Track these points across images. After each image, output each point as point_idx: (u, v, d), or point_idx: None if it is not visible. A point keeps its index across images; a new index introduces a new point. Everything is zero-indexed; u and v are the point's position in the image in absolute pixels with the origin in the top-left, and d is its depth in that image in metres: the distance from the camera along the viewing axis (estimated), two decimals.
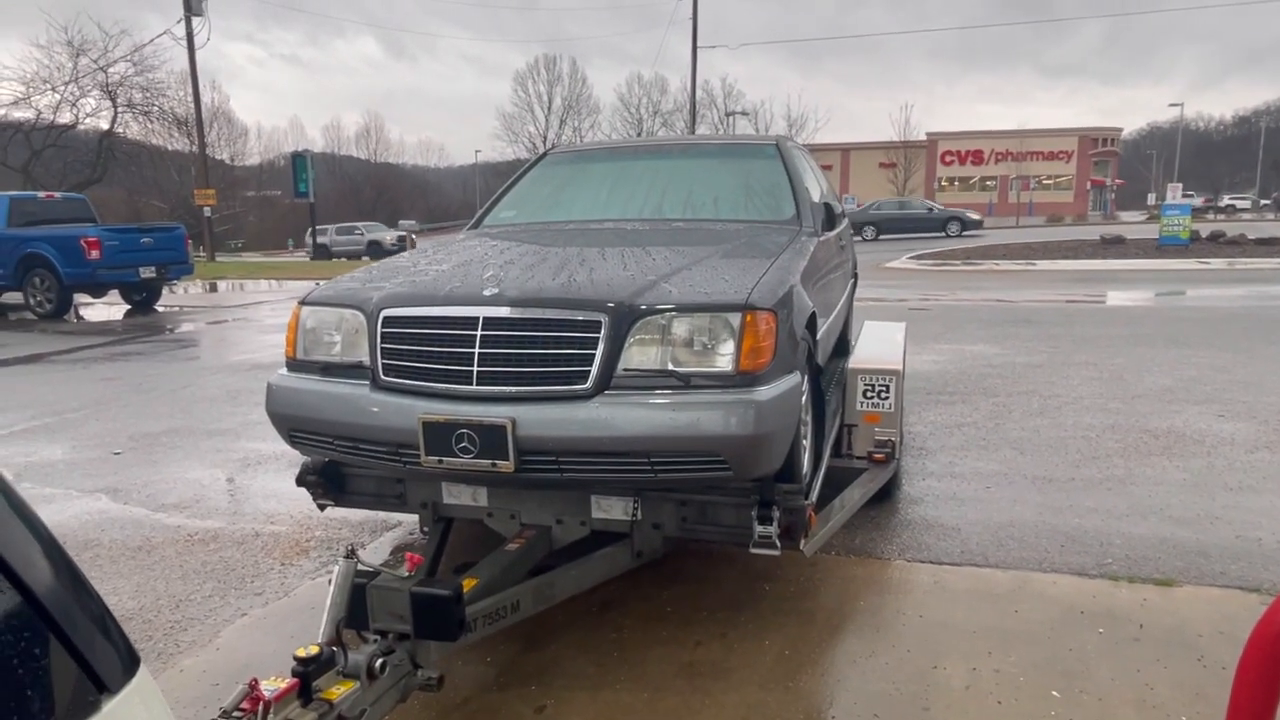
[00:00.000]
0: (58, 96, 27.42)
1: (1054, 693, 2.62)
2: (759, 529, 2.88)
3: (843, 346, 5.54)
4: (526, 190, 4.56)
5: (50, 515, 4.49)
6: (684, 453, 2.62)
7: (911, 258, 21.67)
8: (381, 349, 2.87)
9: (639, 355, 2.68)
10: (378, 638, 2.41)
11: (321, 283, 3.34)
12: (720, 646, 2.97)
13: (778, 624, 3.11)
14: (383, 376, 2.85)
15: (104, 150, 28.64)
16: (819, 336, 3.53)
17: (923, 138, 66.16)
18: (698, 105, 47.11)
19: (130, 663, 0.86)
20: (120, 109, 28.44)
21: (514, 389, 2.68)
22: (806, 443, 3.37)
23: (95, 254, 14.07)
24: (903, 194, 51.88)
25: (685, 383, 2.65)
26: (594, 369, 2.64)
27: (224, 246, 38.76)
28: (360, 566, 2.45)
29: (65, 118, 27.77)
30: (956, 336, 9.49)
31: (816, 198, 4.29)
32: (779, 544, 2.88)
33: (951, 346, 8.83)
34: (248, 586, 3.58)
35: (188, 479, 5.05)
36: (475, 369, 2.70)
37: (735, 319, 2.67)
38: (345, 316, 3.00)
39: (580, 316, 2.69)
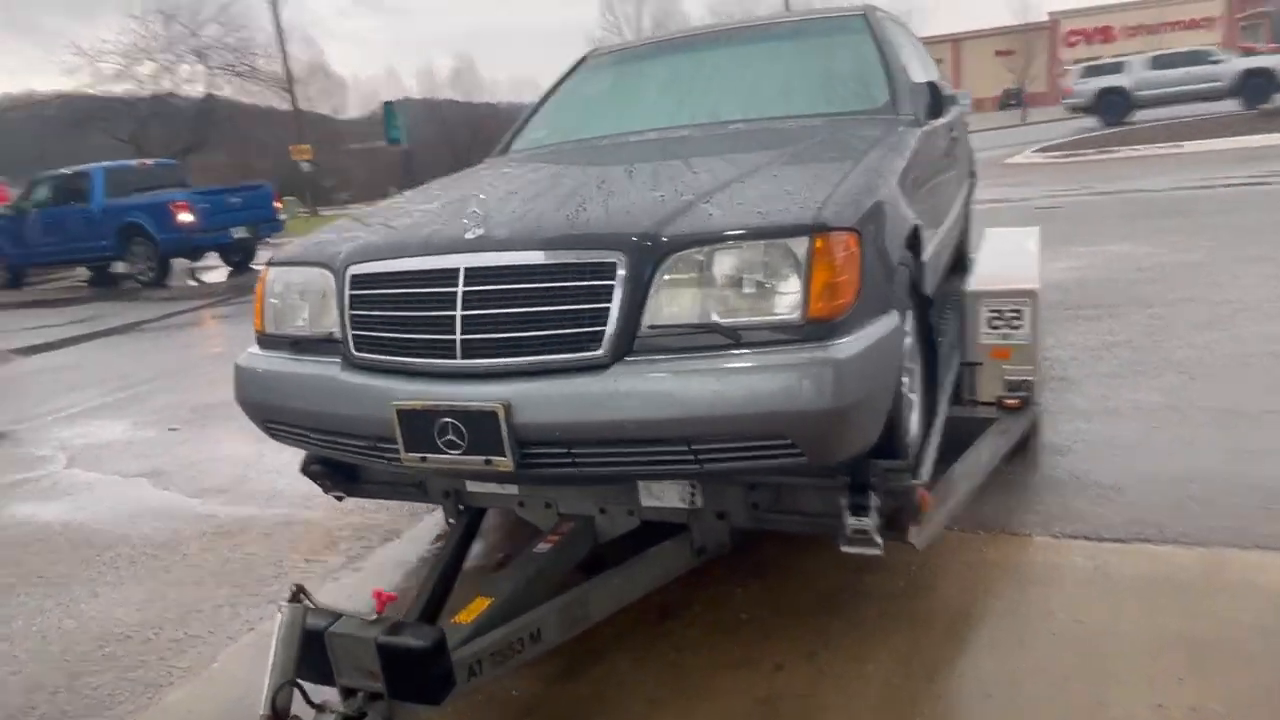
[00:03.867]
0: (155, 65, 28.16)
1: None
2: (852, 521, 2.17)
3: (961, 263, 4.65)
4: (561, 103, 3.83)
5: (89, 505, 4.21)
6: (736, 435, 1.92)
7: (1036, 150, 19.72)
8: (351, 317, 2.26)
9: (670, 305, 1.97)
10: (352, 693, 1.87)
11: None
12: (808, 671, 2.29)
13: (883, 636, 2.41)
14: (354, 352, 2.25)
15: (203, 114, 29.36)
16: (925, 257, 2.72)
17: (1044, 18, 60.82)
18: (794, 4, 44.49)
19: None
20: (213, 71, 29.01)
21: (508, 361, 2.03)
22: (914, 398, 2.60)
23: (187, 218, 14.14)
24: (1022, 83, 47.94)
25: (734, 339, 1.93)
26: (610, 328, 1.96)
27: (330, 200, 39.49)
28: (313, 608, 1.89)
29: (164, 85, 28.55)
30: (1095, 236, 8.26)
31: (919, 77, 3.40)
32: (879, 539, 2.16)
33: (1089, 249, 7.66)
34: (263, 592, 3.13)
35: (235, 457, 4.68)
36: (458, 337, 2.06)
37: (800, 245, 1.93)
38: (312, 278, 2.40)
39: (588, 258, 1.99)
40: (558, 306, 1.99)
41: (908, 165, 2.67)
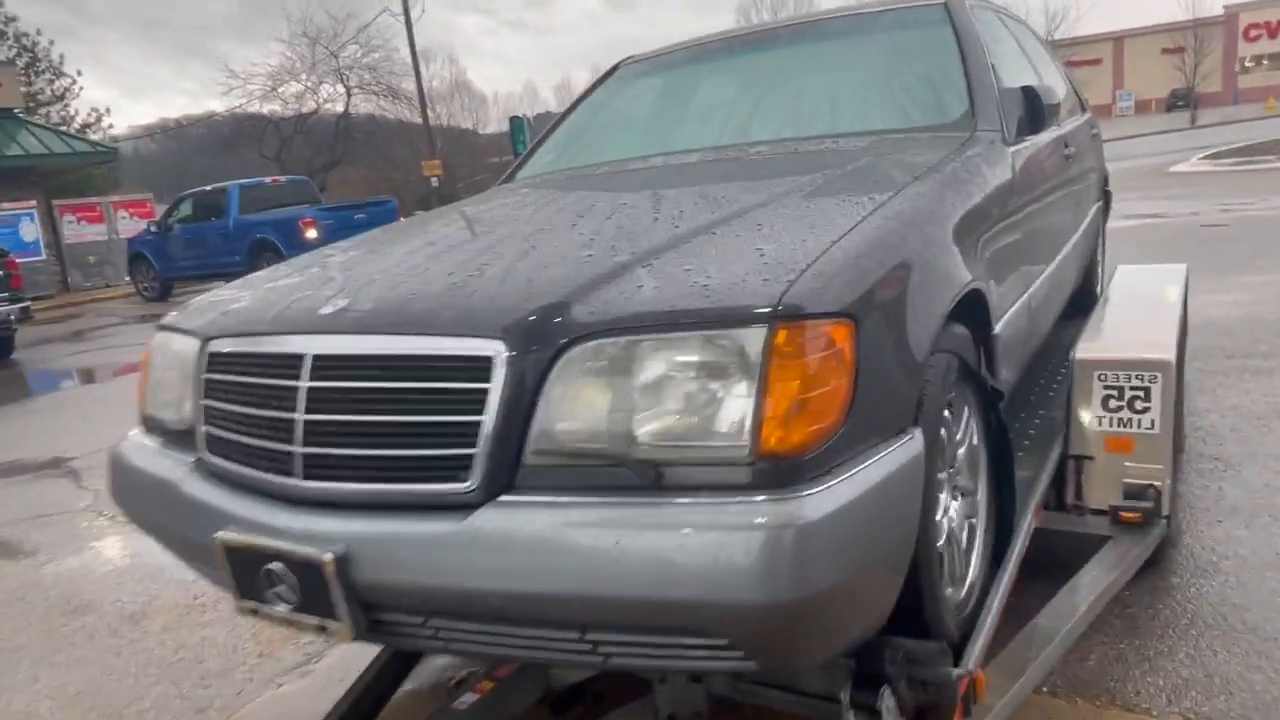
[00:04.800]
0: (300, 86, 29.74)
1: None
2: None
3: (1088, 300, 3.80)
4: (579, 122, 3.26)
5: (87, 557, 3.95)
6: (646, 628, 1.28)
7: (1205, 157, 17.71)
8: (204, 407, 1.76)
9: (566, 420, 1.36)
10: None
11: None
12: None
13: None
14: (204, 452, 1.75)
15: (341, 132, 30.71)
16: (999, 329, 1.99)
17: (1218, 12, 55.86)
18: None
19: None
20: (352, 90, 30.32)
21: (355, 488, 1.46)
22: (978, 523, 1.88)
23: (313, 234, 14.50)
24: (1193, 83, 44.09)
25: (653, 478, 1.30)
26: (482, 449, 1.36)
27: None
28: None
29: (308, 105, 30.10)
30: (1273, 261, 6.99)
31: (1015, 80, 2.64)
32: None
33: (1264, 278, 6.44)
34: (198, 695, 2.70)
35: None
36: (298, 449, 1.51)
37: (754, 340, 1.28)
38: (185, 350, 1.92)
39: (457, 348, 1.41)
40: (418, 415, 1.42)
41: (976, 202, 1.96)
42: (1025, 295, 2.31)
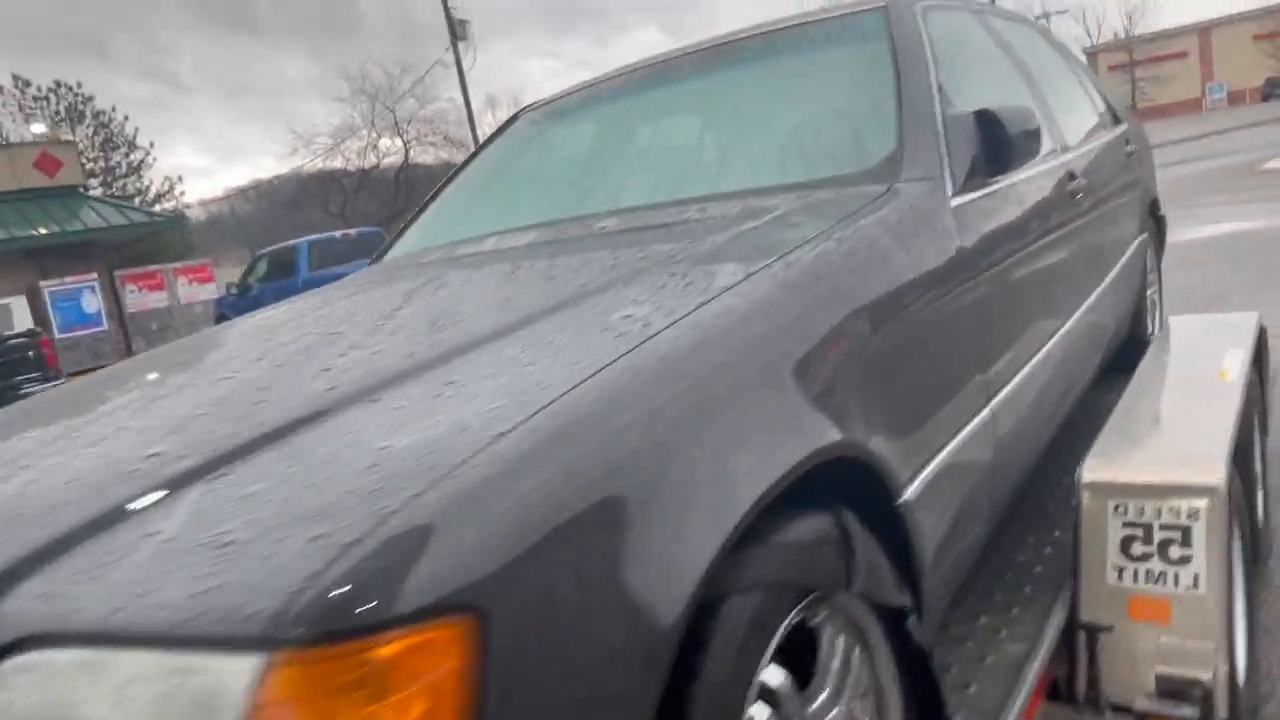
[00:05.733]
0: (361, 142, 30.39)
1: None
2: None
3: (1137, 351, 2.99)
4: (459, 187, 2.67)
5: None
6: None
7: None
8: None
9: None
10: None
11: None
12: None
13: None
14: None
15: (401, 184, 31.22)
16: (911, 496, 1.30)
17: None
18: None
19: None
20: (409, 143, 30.84)
21: None
22: None
23: None
24: None
25: None
26: None
27: None
28: None
29: (369, 161, 30.76)
30: None
31: (994, 101, 1.92)
32: None
33: None
34: None
35: None
36: None
37: (235, 680, 0.64)
38: None
39: None
40: None
41: (861, 300, 1.28)
42: (983, 414, 1.60)
